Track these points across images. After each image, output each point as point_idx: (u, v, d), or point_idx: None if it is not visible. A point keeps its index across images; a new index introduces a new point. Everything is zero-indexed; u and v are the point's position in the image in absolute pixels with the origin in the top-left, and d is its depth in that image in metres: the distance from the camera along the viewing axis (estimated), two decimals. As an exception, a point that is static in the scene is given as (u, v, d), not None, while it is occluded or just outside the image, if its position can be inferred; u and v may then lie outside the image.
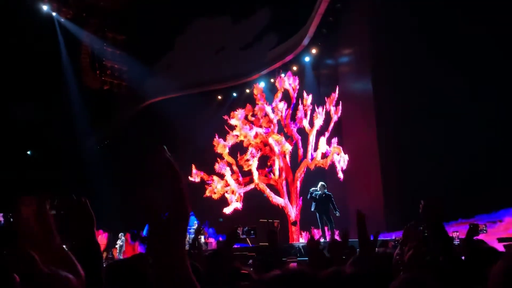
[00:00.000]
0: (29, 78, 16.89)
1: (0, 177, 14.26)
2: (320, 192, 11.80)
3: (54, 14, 17.89)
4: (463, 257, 3.88)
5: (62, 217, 1.55)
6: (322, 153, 13.70)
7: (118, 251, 14.47)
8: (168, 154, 1.11)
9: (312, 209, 11.99)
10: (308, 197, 12.11)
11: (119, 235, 14.68)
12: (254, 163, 13.96)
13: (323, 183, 12.01)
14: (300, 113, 14.05)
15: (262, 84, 16.76)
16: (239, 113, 14.55)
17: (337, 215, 11.70)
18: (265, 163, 14.61)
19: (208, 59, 19.68)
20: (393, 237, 9.00)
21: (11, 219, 1.49)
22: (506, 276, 1.28)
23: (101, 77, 20.13)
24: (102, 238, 14.06)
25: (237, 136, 14.46)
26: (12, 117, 16.31)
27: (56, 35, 18.27)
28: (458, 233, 5.56)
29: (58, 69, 18.58)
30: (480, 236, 3.90)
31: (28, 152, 19.53)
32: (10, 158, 16.55)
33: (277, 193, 14.06)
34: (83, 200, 1.57)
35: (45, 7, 17.55)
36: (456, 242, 4.86)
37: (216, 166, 14.32)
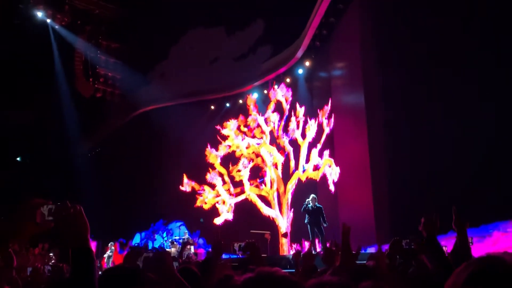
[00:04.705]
0: (21, 84, 16.80)
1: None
2: (311, 204, 11.82)
3: (48, 20, 17.84)
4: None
5: (58, 223, 1.56)
6: (314, 165, 13.75)
7: (106, 260, 14.29)
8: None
9: (306, 222, 11.98)
10: (302, 209, 12.11)
11: (109, 244, 14.50)
12: (245, 174, 13.98)
13: (314, 195, 12.02)
14: (292, 125, 14.12)
15: (255, 95, 16.83)
16: (232, 123, 14.60)
17: (324, 225, 11.72)
18: (256, 174, 14.62)
19: (202, 69, 19.75)
20: (383, 250, 9.04)
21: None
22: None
23: (94, 85, 20.09)
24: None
25: (229, 146, 14.48)
26: (3, 122, 16.19)
27: (50, 42, 18.21)
28: (446, 248, 5.61)
29: (51, 75, 18.51)
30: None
31: (18, 158, 19.36)
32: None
33: (268, 204, 14.05)
34: (78, 208, 1.58)
35: (39, 14, 17.50)
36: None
37: (208, 176, 14.31)
